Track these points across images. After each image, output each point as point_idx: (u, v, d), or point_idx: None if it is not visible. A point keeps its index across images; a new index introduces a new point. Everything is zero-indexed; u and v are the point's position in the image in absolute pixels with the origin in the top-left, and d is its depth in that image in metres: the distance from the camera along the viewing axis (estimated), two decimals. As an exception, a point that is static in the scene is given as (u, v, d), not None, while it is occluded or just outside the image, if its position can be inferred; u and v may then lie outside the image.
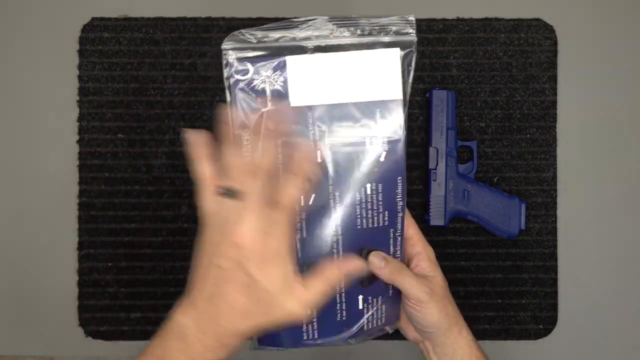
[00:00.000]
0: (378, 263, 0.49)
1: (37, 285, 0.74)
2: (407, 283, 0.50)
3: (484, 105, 0.74)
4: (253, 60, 0.49)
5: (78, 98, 0.74)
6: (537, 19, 0.75)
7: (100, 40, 0.74)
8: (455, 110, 0.73)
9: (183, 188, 0.73)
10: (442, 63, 0.74)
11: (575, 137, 0.75)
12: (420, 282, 0.50)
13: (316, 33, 0.50)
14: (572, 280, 0.74)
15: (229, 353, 0.43)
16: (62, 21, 0.74)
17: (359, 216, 0.49)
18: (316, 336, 0.52)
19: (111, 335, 0.73)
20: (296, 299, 0.42)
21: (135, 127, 0.74)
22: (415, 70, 0.73)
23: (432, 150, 0.72)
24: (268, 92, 0.48)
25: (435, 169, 0.71)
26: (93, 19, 0.74)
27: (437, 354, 0.53)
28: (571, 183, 0.74)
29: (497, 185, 0.74)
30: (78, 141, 0.74)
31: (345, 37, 0.50)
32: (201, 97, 0.74)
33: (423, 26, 0.74)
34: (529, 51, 0.74)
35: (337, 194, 0.49)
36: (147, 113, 0.74)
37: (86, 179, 0.74)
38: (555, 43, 0.75)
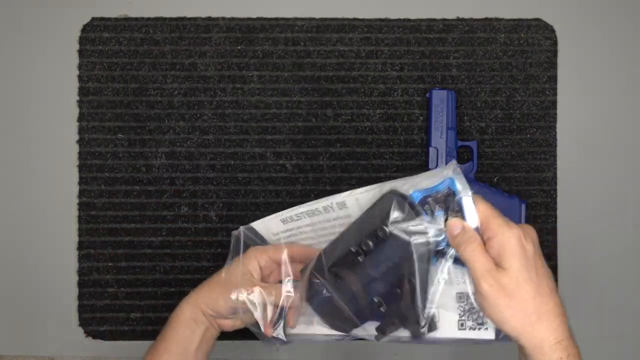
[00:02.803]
0: (453, 228, 0.45)
1: (37, 285, 0.74)
2: (472, 262, 0.43)
3: (484, 105, 0.74)
4: None
5: (78, 98, 0.74)
6: (537, 19, 0.75)
7: (100, 40, 0.74)
8: (455, 110, 0.73)
9: (183, 188, 0.73)
10: (442, 63, 0.74)
11: (575, 137, 0.75)
12: (484, 272, 0.42)
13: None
14: (572, 281, 0.74)
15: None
16: (62, 21, 0.74)
17: None
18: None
19: (111, 335, 0.73)
20: None
21: (135, 127, 0.74)
22: (415, 70, 0.74)
23: (432, 150, 0.72)
24: None
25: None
26: (93, 19, 0.74)
27: (525, 357, 0.44)
28: (571, 183, 0.74)
29: (497, 185, 0.74)
30: (78, 141, 0.74)
31: None
32: (201, 97, 0.74)
33: (423, 26, 0.74)
34: (529, 51, 0.74)
35: None
36: (147, 113, 0.74)
37: (86, 179, 0.74)
38: (555, 43, 0.75)
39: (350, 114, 0.74)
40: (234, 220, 0.73)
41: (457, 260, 0.46)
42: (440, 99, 0.72)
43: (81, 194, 0.74)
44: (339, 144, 0.74)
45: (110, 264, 0.73)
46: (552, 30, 0.75)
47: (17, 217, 0.74)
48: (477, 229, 0.44)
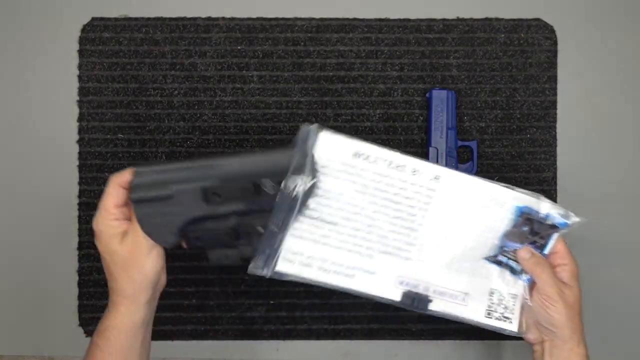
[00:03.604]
0: (523, 255, 0.58)
1: (37, 285, 0.74)
2: (544, 276, 0.56)
3: (484, 105, 0.74)
4: None
5: (78, 98, 0.74)
6: (537, 19, 0.75)
7: (100, 40, 0.74)
8: (455, 110, 0.73)
9: (183, 188, 0.73)
10: (442, 63, 0.74)
11: (575, 137, 0.75)
12: (556, 281, 0.57)
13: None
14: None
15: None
16: (62, 21, 0.74)
17: None
18: None
19: (111, 335, 0.73)
20: None
21: (135, 127, 0.74)
22: (415, 70, 0.74)
23: (432, 150, 0.72)
24: None
25: (435, 169, 0.71)
26: (93, 19, 0.74)
27: (552, 356, 0.58)
28: (571, 183, 0.74)
29: (497, 185, 0.74)
30: (78, 141, 0.74)
31: None
32: (201, 97, 0.74)
33: (423, 26, 0.74)
34: (529, 51, 0.74)
35: None
36: (147, 113, 0.74)
37: (86, 179, 0.74)
38: (555, 43, 0.75)
39: (350, 114, 0.74)
40: (234, 220, 0.73)
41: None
42: (440, 99, 0.72)
43: (81, 194, 0.74)
44: (339, 144, 0.74)
45: (110, 264, 0.73)
46: (552, 30, 0.75)
47: (17, 217, 0.74)
48: (546, 255, 0.59)
